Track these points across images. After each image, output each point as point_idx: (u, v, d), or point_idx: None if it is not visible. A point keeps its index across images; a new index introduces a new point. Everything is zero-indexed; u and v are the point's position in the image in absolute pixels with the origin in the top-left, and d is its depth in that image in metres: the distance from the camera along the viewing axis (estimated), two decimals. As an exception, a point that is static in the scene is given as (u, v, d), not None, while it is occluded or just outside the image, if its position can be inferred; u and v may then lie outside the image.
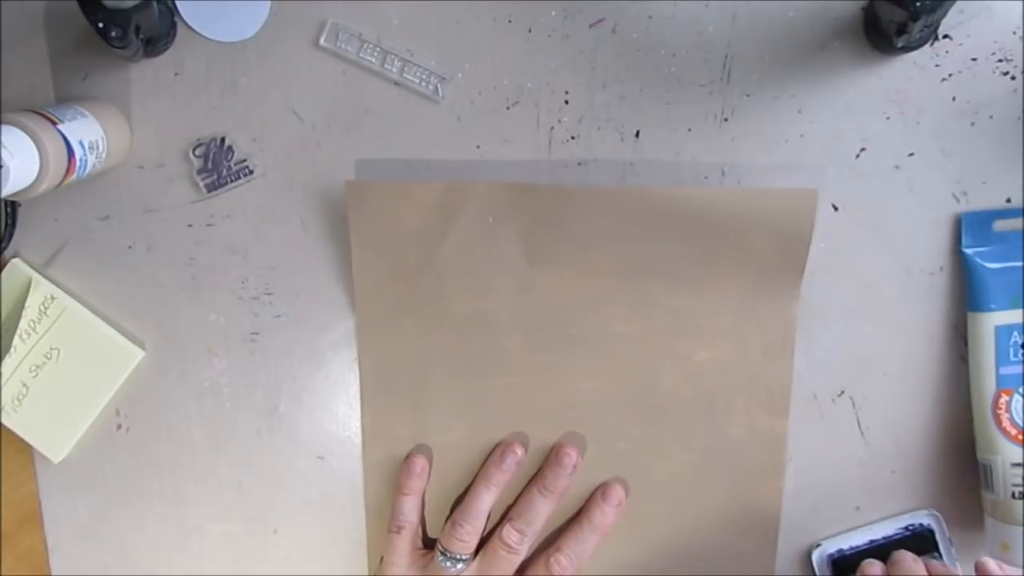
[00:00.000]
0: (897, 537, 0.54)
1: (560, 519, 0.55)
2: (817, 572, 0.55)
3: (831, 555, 0.54)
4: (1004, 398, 0.51)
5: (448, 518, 0.55)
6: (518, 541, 0.53)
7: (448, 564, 0.53)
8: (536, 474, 0.54)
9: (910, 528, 0.54)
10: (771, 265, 0.51)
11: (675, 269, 0.52)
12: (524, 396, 0.54)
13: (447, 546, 0.53)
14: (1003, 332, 0.51)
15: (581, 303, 0.53)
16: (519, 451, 0.54)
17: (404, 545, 0.54)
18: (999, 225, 0.51)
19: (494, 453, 0.54)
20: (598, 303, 0.53)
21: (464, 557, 0.53)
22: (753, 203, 0.50)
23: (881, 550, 0.54)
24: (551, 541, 0.55)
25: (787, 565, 0.55)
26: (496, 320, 0.53)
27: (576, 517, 0.55)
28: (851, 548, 0.54)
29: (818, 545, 0.55)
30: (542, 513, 0.53)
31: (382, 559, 0.55)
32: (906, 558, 0.51)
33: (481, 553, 0.54)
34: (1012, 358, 0.51)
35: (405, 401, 0.55)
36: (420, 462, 0.54)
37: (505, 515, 0.55)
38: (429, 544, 0.56)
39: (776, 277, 0.51)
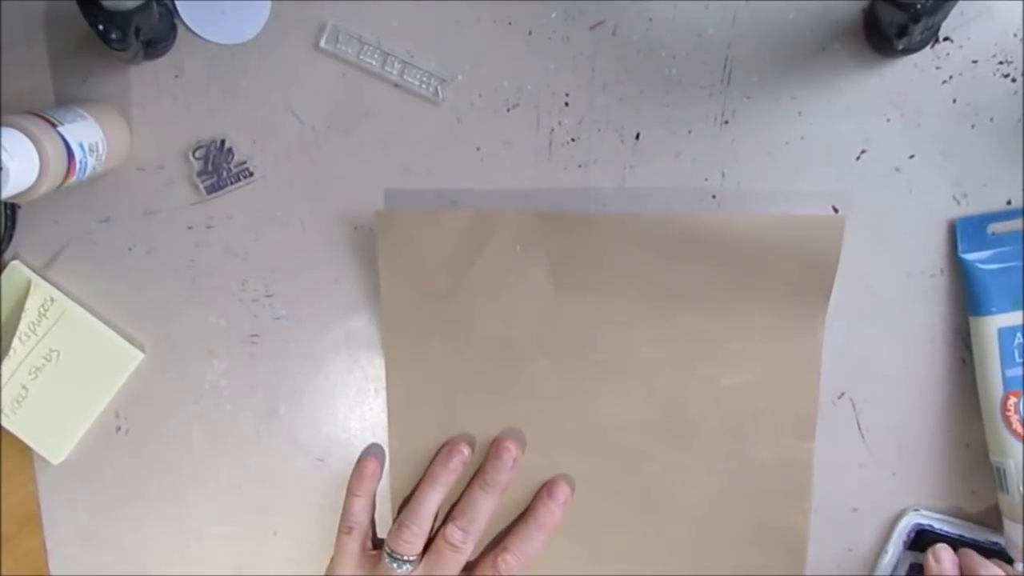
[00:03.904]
0: (983, 545, 0.53)
1: (511, 519, 0.55)
2: (897, 532, 0.54)
3: (919, 524, 0.54)
4: (1012, 400, 0.50)
5: (395, 519, 0.55)
6: (462, 539, 0.53)
7: (395, 565, 0.53)
8: (477, 470, 0.54)
9: (996, 546, 0.53)
10: (797, 291, 0.51)
11: (701, 294, 0.51)
12: (550, 420, 0.54)
13: (393, 547, 0.53)
14: (1006, 334, 0.50)
15: (607, 328, 0.53)
16: (465, 451, 0.54)
17: (354, 546, 0.54)
18: (994, 228, 0.51)
19: (440, 453, 0.54)
20: (624, 328, 0.53)
21: (411, 558, 0.53)
22: (780, 230, 0.50)
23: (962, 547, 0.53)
24: (499, 541, 0.55)
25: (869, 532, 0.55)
26: (523, 345, 0.53)
27: (522, 516, 0.55)
28: (941, 531, 0.54)
29: (916, 510, 0.54)
30: (484, 510, 0.53)
31: (331, 559, 0.55)
32: (977, 555, 0.51)
33: (427, 554, 0.54)
34: (1017, 360, 0.50)
35: (431, 426, 0.55)
36: (371, 464, 0.55)
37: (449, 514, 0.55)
38: (380, 545, 0.56)
39: (802, 303, 0.51)
